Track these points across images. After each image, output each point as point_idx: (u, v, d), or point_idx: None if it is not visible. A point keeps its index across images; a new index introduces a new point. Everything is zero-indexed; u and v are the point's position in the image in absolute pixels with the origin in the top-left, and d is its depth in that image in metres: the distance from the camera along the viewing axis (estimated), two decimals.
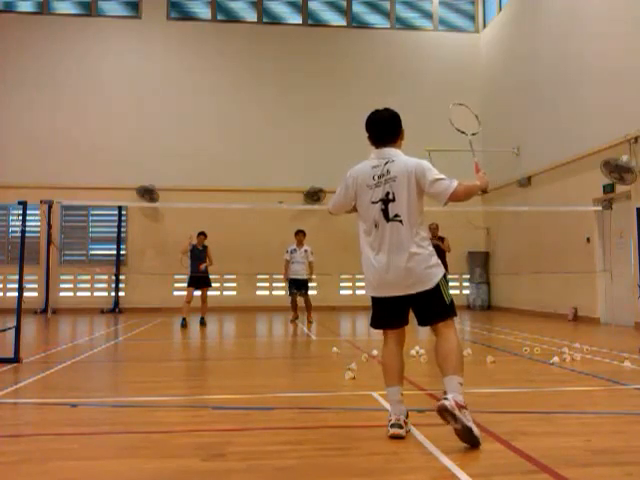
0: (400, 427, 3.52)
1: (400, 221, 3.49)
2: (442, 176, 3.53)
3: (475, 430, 3.26)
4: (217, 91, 17.33)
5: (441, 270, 3.54)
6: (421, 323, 3.59)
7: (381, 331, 3.74)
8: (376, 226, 3.55)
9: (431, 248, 3.58)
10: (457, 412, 3.20)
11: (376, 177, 3.57)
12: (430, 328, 3.61)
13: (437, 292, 3.49)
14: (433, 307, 3.50)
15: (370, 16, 18.45)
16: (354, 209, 3.76)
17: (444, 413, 3.25)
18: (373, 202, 3.56)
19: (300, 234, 12.08)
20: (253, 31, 17.84)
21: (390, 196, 3.52)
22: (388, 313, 3.64)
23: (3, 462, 3.12)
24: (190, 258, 11.55)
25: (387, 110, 3.72)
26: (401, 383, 3.64)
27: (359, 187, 3.62)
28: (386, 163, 3.57)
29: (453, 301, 3.57)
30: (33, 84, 16.65)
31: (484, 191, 3.81)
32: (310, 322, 11.97)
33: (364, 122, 3.78)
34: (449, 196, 3.48)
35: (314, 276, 12.18)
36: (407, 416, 3.62)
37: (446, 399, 3.26)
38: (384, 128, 3.68)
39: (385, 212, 3.52)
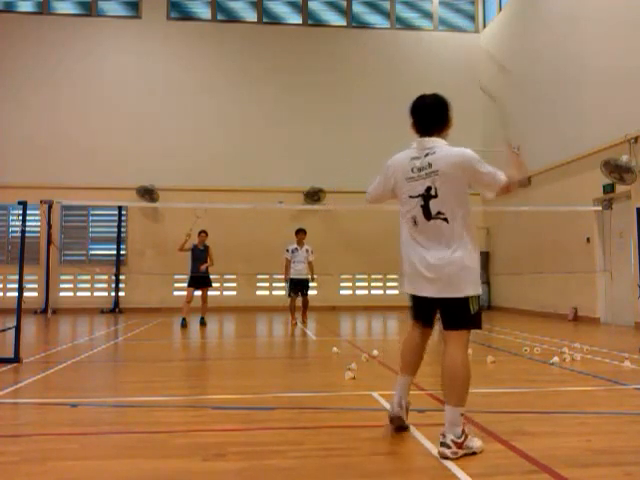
0: (401, 407, 3.52)
1: (445, 219, 3.21)
2: (488, 168, 3.26)
3: (477, 451, 3.20)
4: (217, 91, 17.33)
5: (476, 287, 3.26)
6: (444, 327, 3.40)
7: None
8: (415, 223, 3.28)
9: (475, 251, 3.32)
10: (460, 455, 3.12)
11: (415, 169, 3.27)
12: (441, 332, 3.47)
13: (462, 304, 3.24)
14: (452, 315, 3.29)
15: (370, 16, 18.45)
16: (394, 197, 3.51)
17: (439, 453, 3.14)
18: (411, 197, 3.29)
19: (301, 233, 11.86)
20: (253, 31, 17.84)
21: (432, 191, 3.21)
22: (417, 309, 3.54)
23: (3, 462, 3.12)
24: (191, 258, 11.53)
25: (434, 96, 3.40)
26: (413, 374, 3.58)
27: (397, 179, 3.36)
28: (427, 155, 3.25)
29: (479, 314, 3.28)
30: (33, 84, 16.66)
31: (524, 183, 3.49)
32: (304, 322, 11.87)
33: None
34: (498, 193, 3.25)
35: (315, 276, 12.01)
36: (409, 404, 3.60)
37: (445, 444, 3.11)
38: (428, 115, 3.35)
39: (426, 209, 3.23)
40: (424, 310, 3.50)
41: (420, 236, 3.29)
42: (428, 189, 3.23)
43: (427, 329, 3.59)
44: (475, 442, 3.21)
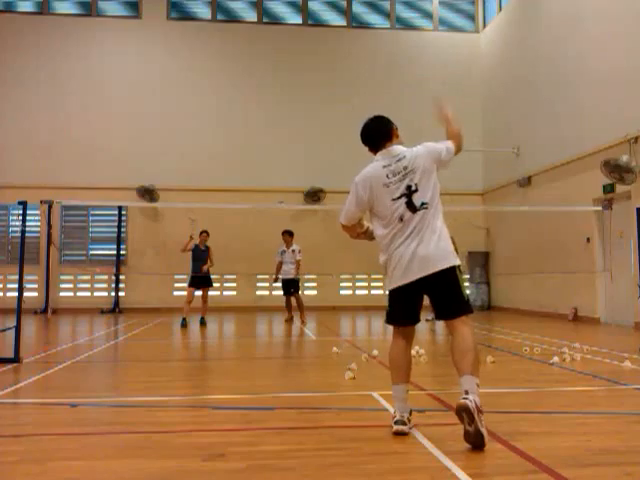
0: (404, 424, 3.55)
1: (426, 207, 3.58)
2: (441, 144, 3.75)
3: (486, 436, 3.25)
4: (217, 91, 17.34)
5: (457, 258, 3.65)
6: (439, 316, 3.63)
7: (383, 330, 3.77)
8: (401, 220, 3.58)
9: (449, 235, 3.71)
10: (476, 415, 3.19)
11: (391, 175, 3.62)
12: (445, 324, 3.67)
13: (456, 283, 3.55)
14: (452, 301, 3.54)
15: (370, 16, 18.45)
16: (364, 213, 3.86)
17: (463, 413, 3.22)
18: (394, 199, 3.60)
19: (286, 234, 12.27)
20: (253, 31, 17.84)
21: (413, 187, 3.59)
22: (403, 306, 3.66)
23: (3, 462, 3.12)
24: (192, 258, 11.54)
25: (373, 119, 3.83)
26: (407, 381, 3.66)
27: (375, 189, 3.64)
28: (398, 160, 3.64)
29: (469, 298, 3.66)
30: (33, 84, 16.66)
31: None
32: (304, 322, 11.93)
33: (364, 121, 3.82)
34: (453, 154, 3.74)
35: (312, 275, 12.22)
36: (410, 414, 3.65)
37: (467, 399, 3.23)
38: (377, 136, 3.78)
39: (410, 204, 3.57)
40: (411, 301, 3.64)
41: (408, 229, 3.58)
42: (409, 187, 3.60)
43: (409, 328, 3.73)
44: (485, 431, 3.30)
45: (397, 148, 3.72)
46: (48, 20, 17.13)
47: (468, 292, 3.59)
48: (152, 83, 17.21)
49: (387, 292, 3.79)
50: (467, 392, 3.29)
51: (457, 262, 3.61)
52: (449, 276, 3.54)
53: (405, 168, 3.60)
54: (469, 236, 16.63)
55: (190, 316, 11.41)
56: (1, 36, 16.72)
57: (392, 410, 3.77)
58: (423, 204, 3.57)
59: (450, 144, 3.74)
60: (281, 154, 17.18)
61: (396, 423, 3.56)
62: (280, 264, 12.21)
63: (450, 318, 3.56)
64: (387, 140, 3.75)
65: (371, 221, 3.81)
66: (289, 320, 12.37)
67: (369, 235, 3.95)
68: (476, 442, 3.24)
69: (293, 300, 12.32)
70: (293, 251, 12.10)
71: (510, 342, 8.52)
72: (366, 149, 3.88)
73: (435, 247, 3.53)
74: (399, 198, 3.58)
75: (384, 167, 3.65)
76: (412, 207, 3.56)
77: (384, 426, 3.71)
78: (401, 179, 3.60)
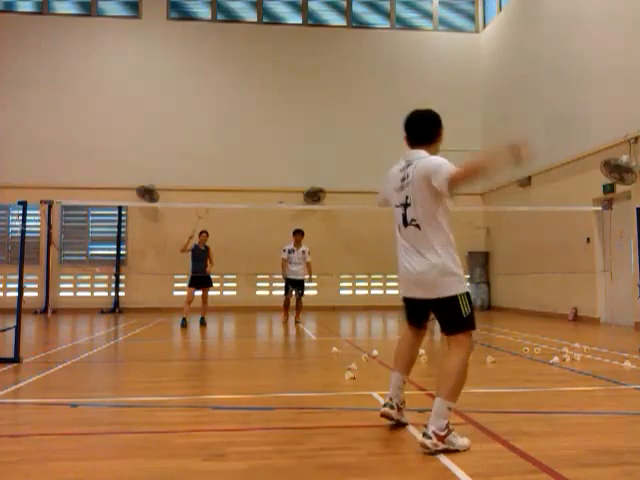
0: (392, 408, 3.61)
1: (417, 226, 3.37)
2: (444, 169, 3.23)
3: (461, 449, 3.21)
4: (217, 91, 17.34)
5: (461, 286, 3.35)
6: (440, 328, 3.54)
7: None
8: (399, 230, 3.51)
9: (452, 256, 3.35)
10: (440, 448, 3.16)
11: (400, 180, 3.48)
12: (442, 336, 3.66)
13: (452, 303, 3.33)
14: (447, 320, 3.40)
15: (370, 16, 18.45)
16: None
17: (419, 446, 3.21)
18: (396, 206, 3.52)
19: (298, 234, 11.95)
20: (253, 31, 17.84)
21: (409, 200, 3.41)
22: (409, 312, 3.72)
23: (3, 462, 3.12)
24: (191, 258, 11.53)
25: (427, 111, 3.57)
26: (405, 372, 3.71)
27: (389, 189, 3.62)
28: (408, 166, 3.45)
29: (473, 314, 3.37)
30: (33, 84, 16.66)
31: (517, 161, 3.13)
32: (297, 322, 11.89)
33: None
34: (448, 186, 3.19)
35: (314, 276, 12.07)
36: (403, 403, 3.69)
37: (426, 435, 3.17)
38: (417, 129, 3.54)
39: (404, 216, 3.44)
40: (415, 312, 3.68)
41: (404, 242, 3.48)
42: (406, 198, 3.43)
43: (420, 330, 3.77)
44: (460, 440, 3.23)
45: (418, 153, 3.47)
46: (48, 20, 17.13)
47: (468, 308, 3.34)
48: (152, 83, 17.21)
49: None
50: (427, 426, 3.21)
51: (454, 292, 3.31)
52: (442, 304, 3.36)
53: (408, 176, 3.42)
54: (469, 236, 16.65)
55: (190, 316, 11.41)
56: (1, 36, 16.72)
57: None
58: (413, 220, 3.38)
59: (453, 171, 3.19)
60: (281, 154, 17.18)
61: (384, 405, 3.64)
62: (285, 262, 11.86)
63: (446, 334, 3.46)
64: (426, 143, 3.51)
65: None
66: (287, 322, 12.12)
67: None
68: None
69: (292, 300, 12.07)
70: (303, 252, 11.83)
71: (510, 342, 8.52)
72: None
73: (430, 270, 3.31)
74: (399, 206, 3.48)
75: (400, 171, 3.52)
76: (405, 220, 3.44)
77: (384, 426, 3.71)
78: (404, 187, 3.44)
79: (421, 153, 3.46)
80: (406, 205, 3.42)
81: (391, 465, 3.08)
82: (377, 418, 3.89)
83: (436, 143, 3.55)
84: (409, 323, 3.76)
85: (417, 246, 3.38)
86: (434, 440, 3.15)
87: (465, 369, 3.30)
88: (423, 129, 3.54)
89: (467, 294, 3.38)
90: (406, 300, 3.66)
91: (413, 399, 4.12)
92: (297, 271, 11.83)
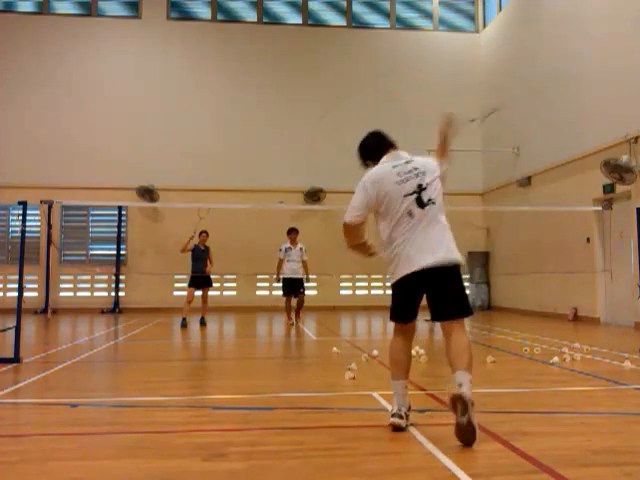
0: (401, 417, 3.62)
1: (433, 203, 3.75)
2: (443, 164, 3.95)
3: (477, 430, 3.31)
4: (217, 91, 17.34)
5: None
6: (436, 316, 3.65)
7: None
8: (411, 215, 3.72)
9: None
10: (470, 406, 3.26)
11: (402, 173, 3.79)
12: (441, 325, 3.66)
13: (459, 281, 3.70)
14: (454, 300, 3.62)
15: (370, 16, 18.45)
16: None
17: (458, 403, 3.28)
18: (406, 195, 3.74)
19: (293, 232, 11.92)
20: (253, 31, 17.84)
21: (423, 186, 3.76)
22: (405, 300, 3.73)
23: (3, 462, 3.12)
24: (191, 258, 11.54)
25: (373, 135, 4.13)
26: (406, 377, 3.73)
27: (386, 186, 3.77)
28: (407, 162, 3.85)
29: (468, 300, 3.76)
30: (33, 84, 16.65)
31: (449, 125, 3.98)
32: (297, 318, 11.84)
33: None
34: (444, 165, 3.93)
35: (312, 275, 12.04)
36: (409, 409, 3.71)
37: (462, 390, 3.31)
38: (379, 147, 4.02)
39: (419, 200, 3.74)
40: (412, 295, 3.71)
41: (418, 223, 3.71)
42: (419, 185, 3.78)
43: (410, 325, 3.79)
44: (477, 425, 3.37)
45: (403, 153, 3.96)
46: (48, 20, 17.13)
47: (468, 292, 3.72)
48: (152, 83, 17.20)
49: (391, 287, 3.84)
50: (461, 385, 3.36)
51: (462, 260, 3.77)
52: (454, 273, 3.68)
53: (416, 169, 3.80)
54: (469, 236, 16.65)
55: (190, 316, 11.41)
56: (1, 36, 16.72)
57: (390, 408, 3.80)
58: (430, 199, 3.74)
59: (443, 162, 3.94)
60: (281, 154, 17.18)
61: (393, 416, 3.64)
62: (281, 262, 11.80)
63: (449, 319, 3.58)
64: (391, 147, 4.01)
65: (377, 225, 3.90)
66: (291, 325, 11.73)
67: (366, 249, 4.09)
68: (467, 435, 3.28)
69: (293, 301, 11.90)
70: (300, 249, 11.80)
71: (510, 342, 8.52)
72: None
73: (442, 236, 3.71)
74: (411, 194, 3.73)
75: (393, 167, 3.83)
76: (421, 203, 3.73)
77: (384, 426, 3.71)
78: (412, 177, 3.78)
79: (404, 152, 3.98)
80: (420, 190, 3.76)
81: (391, 465, 3.08)
82: (377, 418, 3.90)
83: (392, 148, 4.05)
84: (397, 319, 3.78)
85: (437, 217, 3.75)
86: (469, 395, 3.29)
87: (471, 345, 3.60)
88: (381, 147, 4.06)
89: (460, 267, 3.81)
90: (404, 282, 3.67)
91: (413, 399, 4.11)
92: (296, 270, 11.73)
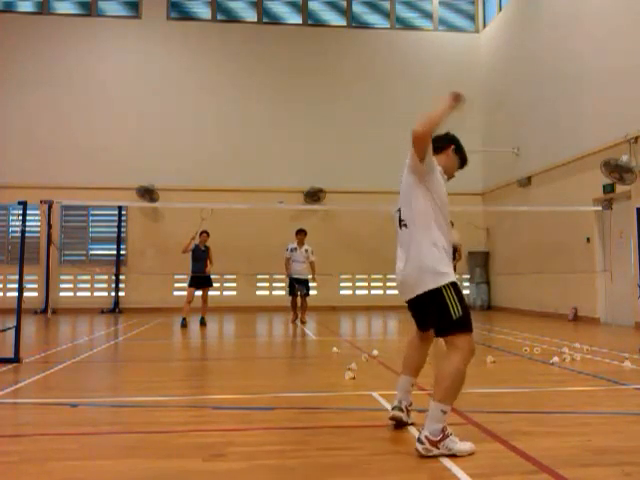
0: (401, 410, 3.62)
1: (405, 225, 3.40)
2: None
3: (460, 454, 3.15)
4: (217, 91, 17.34)
5: (443, 278, 3.26)
6: (435, 333, 3.48)
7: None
8: (396, 232, 3.53)
9: (440, 254, 3.30)
10: (434, 453, 3.12)
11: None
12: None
13: (437, 304, 3.27)
14: (437, 322, 3.33)
15: (370, 16, 18.44)
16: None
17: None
18: (396, 211, 3.55)
19: (301, 233, 12.06)
20: (253, 31, 17.84)
21: (400, 203, 3.49)
22: (411, 313, 3.65)
23: (3, 462, 3.12)
24: (192, 258, 11.54)
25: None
26: (413, 375, 3.70)
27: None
28: None
29: (465, 317, 3.26)
30: (33, 84, 16.65)
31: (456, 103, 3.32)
32: (303, 322, 11.96)
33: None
34: (415, 145, 3.20)
35: (317, 276, 12.12)
36: (410, 405, 3.69)
37: (419, 440, 3.14)
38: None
39: (399, 219, 3.48)
40: (413, 313, 3.63)
41: (398, 243, 3.49)
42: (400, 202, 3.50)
43: (425, 334, 3.70)
44: (459, 445, 3.15)
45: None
46: (48, 20, 17.13)
47: (467, 292, 3.40)
48: (152, 83, 17.20)
49: None
50: (420, 431, 3.19)
51: (436, 285, 3.25)
52: (426, 300, 3.30)
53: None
54: (469, 236, 16.64)
55: (190, 316, 11.41)
56: (1, 36, 16.71)
57: (390, 407, 3.80)
58: (401, 220, 3.43)
59: (415, 127, 3.17)
60: (281, 154, 17.18)
61: (393, 408, 3.64)
62: (288, 260, 11.97)
63: (439, 336, 3.40)
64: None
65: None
66: (295, 320, 12.19)
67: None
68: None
69: (298, 300, 12.15)
70: (306, 251, 11.92)
71: (510, 342, 8.52)
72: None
73: (411, 269, 3.32)
74: (397, 211, 3.52)
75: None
76: (399, 222, 3.47)
77: (384, 426, 3.71)
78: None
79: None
80: (400, 209, 3.48)
81: (391, 465, 3.08)
82: (377, 418, 3.89)
83: (441, 155, 3.58)
84: (416, 326, 3.72)
85: (408, 246, 3.40)
86: (427, 445, 3.11)
87: (460, 373, 3.21)
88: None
89: (453, 286, 3.28)
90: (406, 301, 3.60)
91: (413, 399, 4.11)
92: (301, 270, 11.92)
